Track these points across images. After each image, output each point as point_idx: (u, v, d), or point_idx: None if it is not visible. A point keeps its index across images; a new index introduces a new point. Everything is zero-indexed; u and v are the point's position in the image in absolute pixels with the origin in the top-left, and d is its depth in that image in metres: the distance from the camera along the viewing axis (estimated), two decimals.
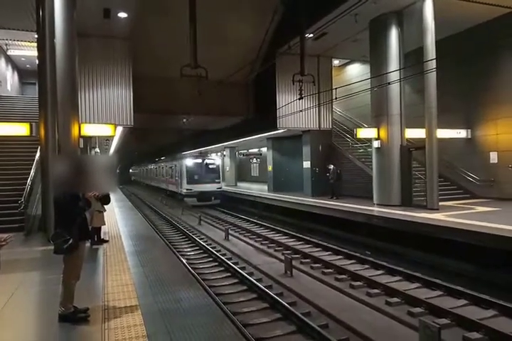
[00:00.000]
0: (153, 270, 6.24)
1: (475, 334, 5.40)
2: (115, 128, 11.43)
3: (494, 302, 6.39)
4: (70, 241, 3.94)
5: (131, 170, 64.23)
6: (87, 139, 14.00)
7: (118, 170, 56.45)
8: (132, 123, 13.91)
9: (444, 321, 5.82)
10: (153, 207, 23.31)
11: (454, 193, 14.26)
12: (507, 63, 13.27)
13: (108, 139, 22.57)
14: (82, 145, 9.83)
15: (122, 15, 12.17)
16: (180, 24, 10.06)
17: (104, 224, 8.49)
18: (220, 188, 23.21)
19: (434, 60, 11.36)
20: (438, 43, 11.95)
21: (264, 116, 18.17)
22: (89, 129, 10.52)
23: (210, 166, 23.53)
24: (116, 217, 12.64)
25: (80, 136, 9.41)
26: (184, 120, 14.13)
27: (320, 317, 6.22)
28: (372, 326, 5.83)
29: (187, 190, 22.62)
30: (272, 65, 15.98)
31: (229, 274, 8.82)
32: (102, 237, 8.33)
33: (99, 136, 16.89)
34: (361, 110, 17.99)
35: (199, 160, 23.57)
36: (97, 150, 21.38)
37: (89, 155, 13.87)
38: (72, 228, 4.02)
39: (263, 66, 16.76)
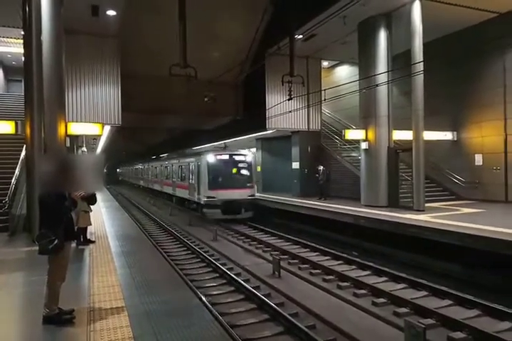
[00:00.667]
0: (140, 271, 6.18)
1: (459, 334, 5.48)
2: (103, 127, 11.32)
3: (478, 302, 6.49)
4: (56, 242, 3.87)
5: (118, 170, 63.42)
6: (74, 138, 13.81)
7: (105, 170, 55.85)
8: (120, 122, 13.75)
9: (429, 321, 5.89)
10: (140, 208, 23.07)
11: (440, 195, 14.47)
12: (491, 67, 13.51)
13: (95, 138, 22.28)
14: (68, 145, 9.71)
15: (111, 12, 12.02)
16: (171, 22, 9.99)
17: (91, 225, 8.39)
18: (253, 196, 17.08)
19: (422, 63, 11.51)
20: (426, 46, 12.11)
21: (253, 116, 18.15)
22: (76, 128, 10.40)
23: (240, 165, 17.28)
24: (103, 217, 12.50)
25: (67, 135, 9.34)
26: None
27: (307, 318, 6.23)
28: (358, 326, 5.86)
29: (208, 197, 16.35)
30: (262, 65, 15.99)
31: (217, 275, 8.79)
32: (88, 238, 8.23)
33: (86, 135, 16.69)
34: (349, 111, 18.12)
35: (225, 157, 17.25)
36: (84, 149, 21.13)
37: (75, 155, 13.71)
38: (57, 228, 3.95)
39: (253, 67, 16.77)
